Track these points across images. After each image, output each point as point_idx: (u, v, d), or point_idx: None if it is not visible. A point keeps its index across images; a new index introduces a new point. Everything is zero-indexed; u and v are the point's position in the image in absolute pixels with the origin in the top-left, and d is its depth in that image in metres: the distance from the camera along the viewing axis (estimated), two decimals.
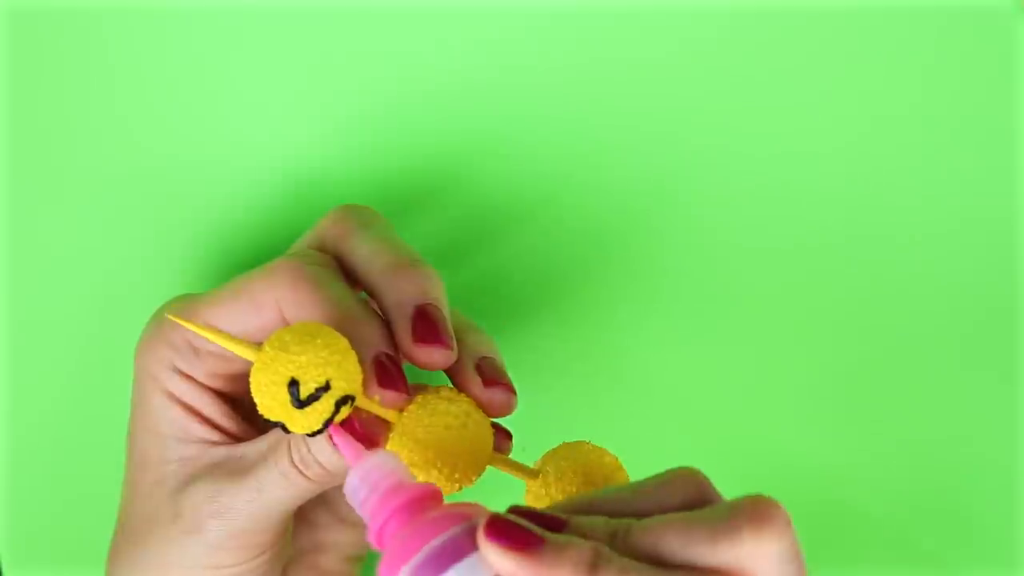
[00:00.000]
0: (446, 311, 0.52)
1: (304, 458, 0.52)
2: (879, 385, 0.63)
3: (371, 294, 0.53)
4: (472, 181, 0.61)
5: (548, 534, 0.45)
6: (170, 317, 0.53)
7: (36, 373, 0.61)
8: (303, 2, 0.59)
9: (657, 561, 0.45)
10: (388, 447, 0.50)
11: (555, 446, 0.52)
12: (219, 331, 0.50)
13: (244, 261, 0.61)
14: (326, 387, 0.48)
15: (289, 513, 0.54)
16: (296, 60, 0.59)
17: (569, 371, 0.63)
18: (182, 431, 0.54)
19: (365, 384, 0.49)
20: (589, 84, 0.60)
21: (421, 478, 0.50)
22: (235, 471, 0.53)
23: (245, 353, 0.49)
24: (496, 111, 0.60)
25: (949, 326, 0.63)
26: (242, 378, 0.54)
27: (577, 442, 0.52)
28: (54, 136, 0.60)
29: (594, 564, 0.44)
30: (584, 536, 0.45)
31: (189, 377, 0.54)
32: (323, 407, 0.48)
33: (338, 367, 0.48)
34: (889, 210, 0.62)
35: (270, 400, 0.48)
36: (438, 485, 0.49)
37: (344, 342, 0.49)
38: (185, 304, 0.54)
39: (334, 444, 0.50)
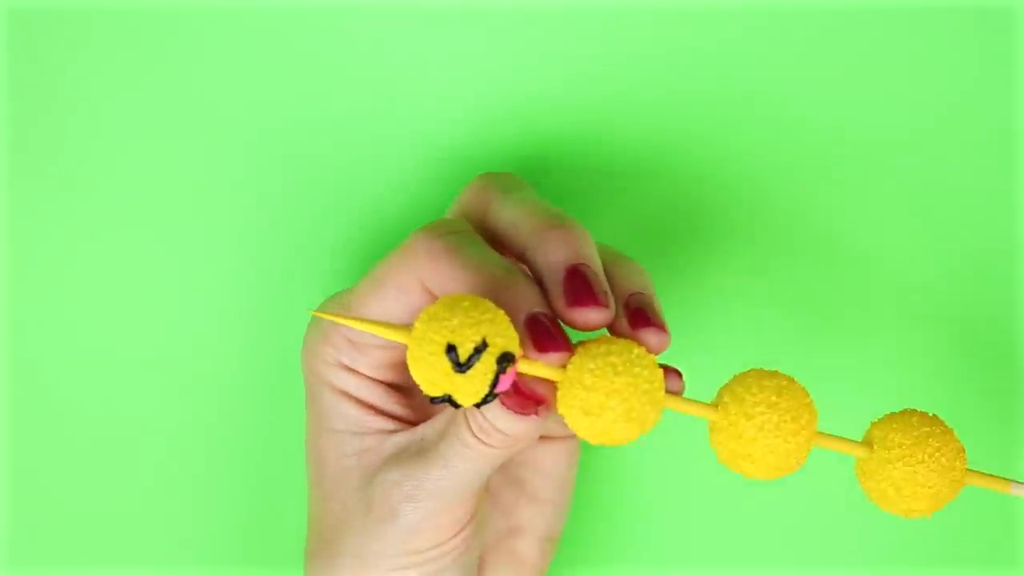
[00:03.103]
0: (598, 268, 0.50)
1: (483, 426, 0.50)
2: (886, 384, 0.63)
3: (522, 260, 0.51)
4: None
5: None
6: (313, 313, 0.52)
7: (36, 372, 0.61)
8: (302, 2, 0.59)
9: None
10: (558, 408, 0.48)
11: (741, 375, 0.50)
12: (368, 320, 0.49)
13: (245, 262, 0.61)
14: (483, 345, 0.46)
15: (481, 486, 0.53)
16: (296, 61, 0.60)
17: None
18: (357, 425, 0.53)
19: (522, 346, 0.48)
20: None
21: (594, 438, 0.48)
22: (419, 452, 0.52)
23: (397, 336, 0.48)
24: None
25: (950, 326, 0.63)
26: (407, 365, 0.52)
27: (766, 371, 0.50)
28: (54, 136, 0.60)
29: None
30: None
31: (355, 371, 0.54)
32: (485, 367, 0.46)
33: (492, 324, 0.46)
34: (887, 211, 0.62)
35: (431, 372, 0.47)
36: (613, 440, 0.48)
37: (492, 305, 0.47)
38: (334, 302, 0.54)
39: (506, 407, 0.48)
